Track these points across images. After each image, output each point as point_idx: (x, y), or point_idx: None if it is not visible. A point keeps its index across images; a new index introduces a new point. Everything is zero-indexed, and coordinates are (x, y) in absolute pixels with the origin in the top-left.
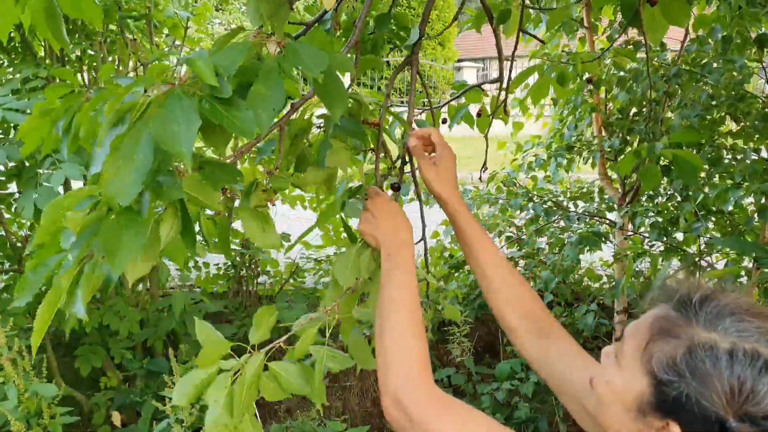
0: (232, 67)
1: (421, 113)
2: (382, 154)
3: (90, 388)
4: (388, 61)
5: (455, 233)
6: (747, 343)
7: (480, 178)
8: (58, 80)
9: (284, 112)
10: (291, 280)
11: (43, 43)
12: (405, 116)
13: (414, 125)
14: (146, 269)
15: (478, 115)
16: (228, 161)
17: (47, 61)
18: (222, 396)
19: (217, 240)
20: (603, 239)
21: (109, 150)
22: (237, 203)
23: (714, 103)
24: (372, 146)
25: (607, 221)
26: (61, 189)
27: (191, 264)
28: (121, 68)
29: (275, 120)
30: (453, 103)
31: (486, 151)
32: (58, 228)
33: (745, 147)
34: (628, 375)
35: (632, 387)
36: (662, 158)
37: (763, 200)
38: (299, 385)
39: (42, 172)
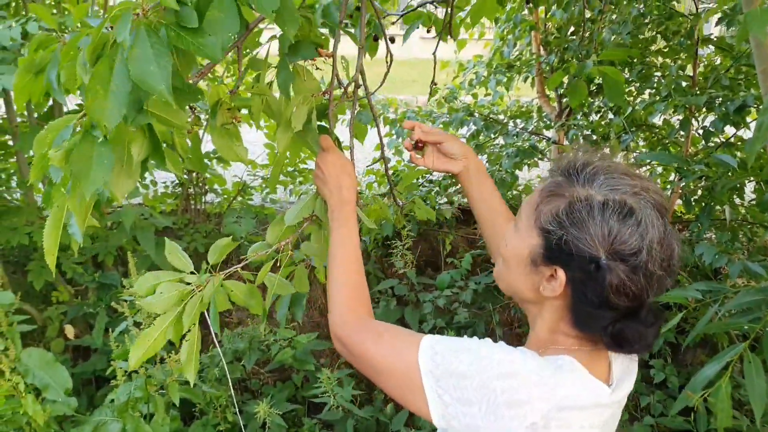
0: None
1: (371, 33)
2: (336, 83)
3: (41, 303)
4: None
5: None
6: (617, 195)
7: (430, 93)
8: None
9: None
10: (239, 198)
11: None
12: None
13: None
14: (131, 185)
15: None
16: (190, 82)
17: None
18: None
19: (191, 156)
20: (540, 155)
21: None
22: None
23: (646, 21)
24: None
25: (544, 138)
26: None
27: (138, 183)
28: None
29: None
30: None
31: (434, 68)
32: (45, 163)
33: (671, 63)
34: (524, 234)
35: (527, 243)
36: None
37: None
38: (245, 299)
39: None
